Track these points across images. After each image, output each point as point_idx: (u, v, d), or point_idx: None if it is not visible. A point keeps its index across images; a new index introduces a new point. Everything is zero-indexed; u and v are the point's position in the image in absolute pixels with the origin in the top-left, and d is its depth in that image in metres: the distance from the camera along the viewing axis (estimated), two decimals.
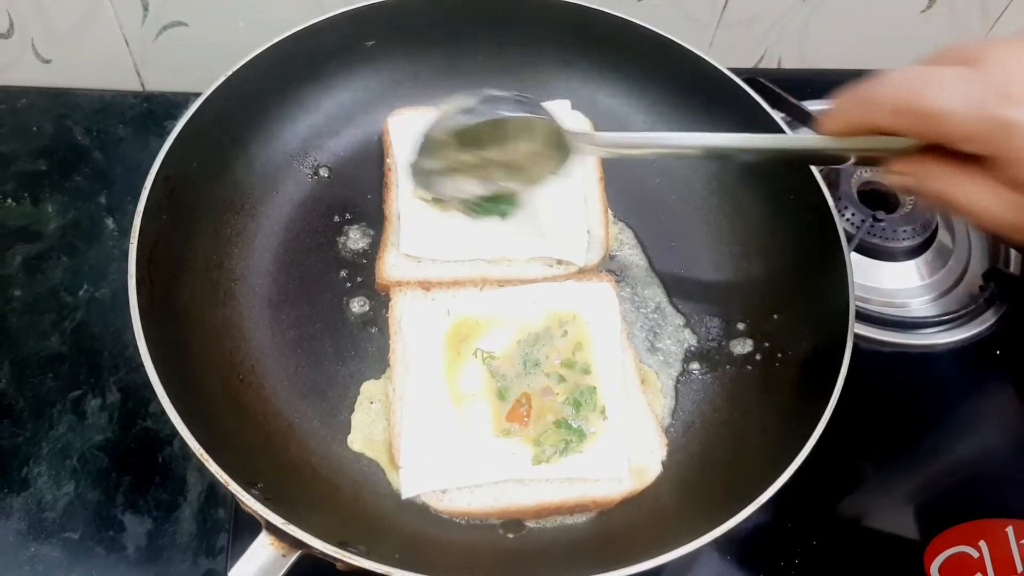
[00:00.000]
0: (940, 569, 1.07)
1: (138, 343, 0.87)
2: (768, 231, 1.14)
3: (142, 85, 1.48)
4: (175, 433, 1.10)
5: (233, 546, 1.03)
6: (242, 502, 0.80)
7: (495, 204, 1.13)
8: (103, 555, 1.04)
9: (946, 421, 1.21)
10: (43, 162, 1.37)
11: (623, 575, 0.80)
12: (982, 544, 1.08)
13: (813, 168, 1.08)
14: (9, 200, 1.32)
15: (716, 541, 0.83)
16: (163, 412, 1.11)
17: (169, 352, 0.89)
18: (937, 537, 1.09)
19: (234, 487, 0.79)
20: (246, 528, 0.99)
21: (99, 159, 1.39)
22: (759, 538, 1.07)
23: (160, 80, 1.48)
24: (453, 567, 0.79)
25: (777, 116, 1.14)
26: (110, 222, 1.32)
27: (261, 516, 0.79)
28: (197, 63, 1.41)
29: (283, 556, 0.79)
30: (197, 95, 1.07)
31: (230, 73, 1.09)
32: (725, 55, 1.25)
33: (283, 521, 0.77)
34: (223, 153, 1.12)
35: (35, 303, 1.22)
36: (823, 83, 1.52)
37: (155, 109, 1.46)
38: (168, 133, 1.39)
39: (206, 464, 0.81)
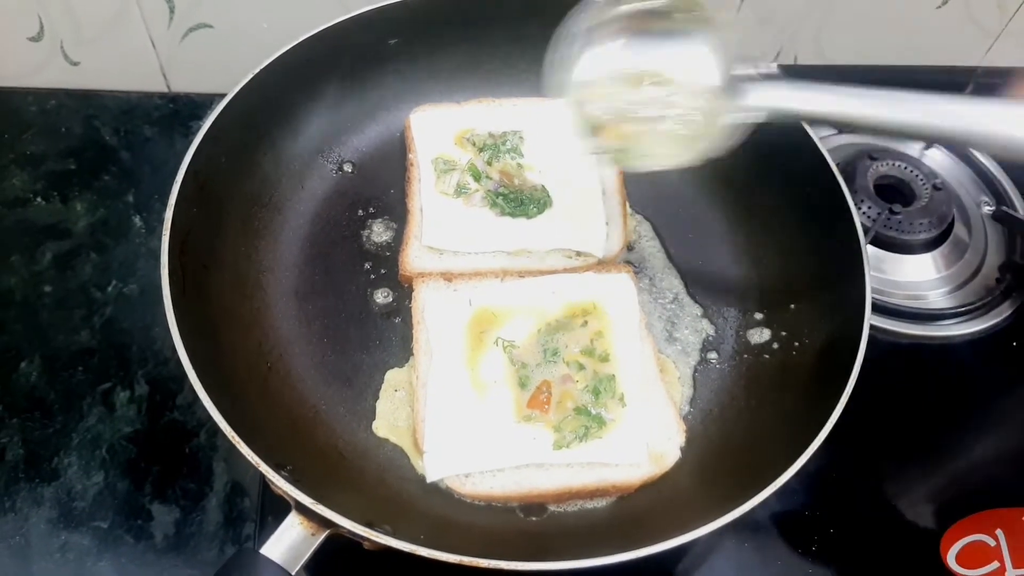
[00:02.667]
0: (957, 557, 1.07)
1: (171, 331, 0.89)
2: (785, 223, 1.16)
3: (168, 87, 1.50)
4: (202, 425, 1.14)
5: (260, 534, 1.04)
6: (272, 483, 0.81)
7: (523, 206, 1.14)
8: (132, 543, 1.06)
9: (963, 411, 1.21)
10: (72, 162, 1.40)
11: (642, 555, 0.81)
12: (999, 532, 1.08)
13: (829, 159, 1.09)
14: (39, 199, 1.35)
15: (735, 528, 0.85)
16: (190, 404, 1.15)
17: (200, 341, 0.91)
18: (954, 525, 1.09)
19: (265, 468, 0.81)
20: (273, 515, 1.02)
21: (126, 159, 1.41)
22: (777, 525, 1.08)
23: (185, 82, 1.50)
24: (477, 548, 0.80)
25: None
26: (137, 220, 1.34)
27: (291, 496, 0.81)
28: (222, 65, 1.42)
29: (312, 535, 0.81)
30: (222, 96, 1.09)
31: (257, 71, 1.11)
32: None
33: (312, 501, 0.79)
34: (251, 149, 1.14)
35: (65, 299, 1.25)
36: (838, 79, 1.53)
37: (180, 110, 1.49)
38: (193, 134, 1.42)
39: (238, 447, 0.82)
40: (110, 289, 1.26)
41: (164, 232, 0.95)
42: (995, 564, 1.06)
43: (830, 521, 1.09)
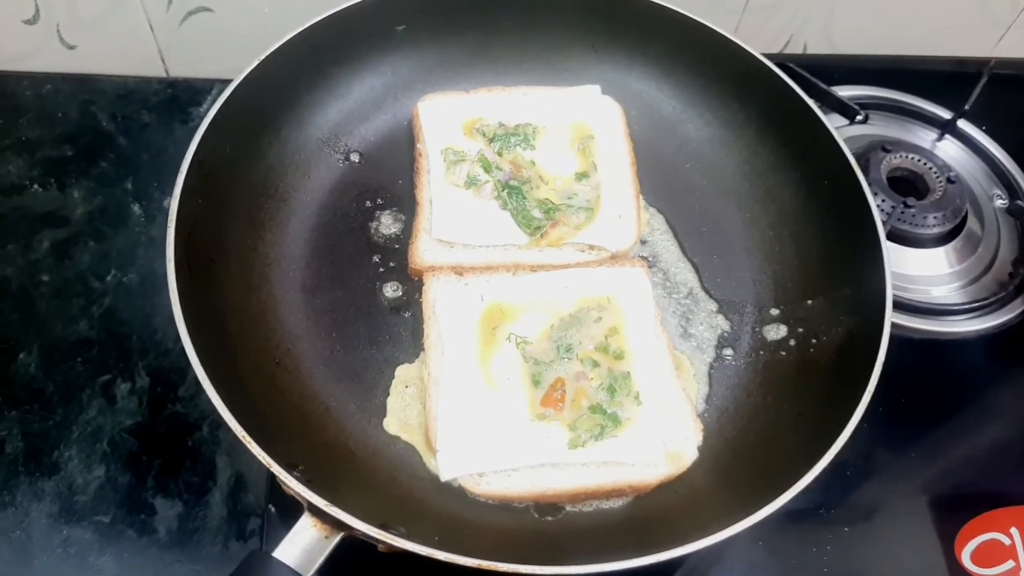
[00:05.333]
0: (971, 556, 1.07)
1: (179, 328, 0.87)
2: (801, 216, 1.14)
3: (166, 71, 1.48)
4: (204, 417, 1.12)
5: (267, 530, 1.03)
6: (284, 484, 0.80)
7: (531, 224, 1.12)
8: (134, 538, 1.04)
9: (976, 408, 1.21)
10: (68, 148, 1.37)
11: (658, 559, 0.80)
12: (1013, 531, 1.08)
13: (847, 151, 1.07)
14: (36, 186, 1.32)
15: (749, 527, 0.84)
16: (192, 397, 1.14)
17: (207, 336, 0.89)
18: (968, 524, 1.09)
19: (276, 469, 0.79)
20: (279, 511, 1.02)
21: (124, 145, 1.39)
22: (790, 524, 1.07)
23: (184, 66, 1.47)
24: (492, 549, 0.79)
25: (809, 102, 1.14)
26: (136, 208, 1.32)
27: (303, 498, 0.79)
28: (221, 49, 1.42)
29: (325, 538, 0.79)
30: (221, 81, 1.06)
31: (262, 58, 1.08)
32: (750, 40, 1.25)
33: (326, 503, 0.78)
34: (256, 138, 1.12)
35: (63, 288, 1.23)
36: (848, 69, 1.53)
37: (179, 95, 1.46)
38: (192, 120, 1.42)
39: (249, 447, 0.80)
40: (109, 278, 1.24)
41: (170, 224, 0.93)
42: (1010, 563, 1.06)
43: (844, 520, 1.08)
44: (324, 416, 1.00)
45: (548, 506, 0.97)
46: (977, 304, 1.27)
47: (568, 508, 0.97)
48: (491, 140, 1.17)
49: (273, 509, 1.03)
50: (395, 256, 1.14)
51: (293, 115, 1.17)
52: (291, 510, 0.83)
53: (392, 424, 1.01)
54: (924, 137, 1.45)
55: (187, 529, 1.05)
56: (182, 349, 1.15)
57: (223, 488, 1.08)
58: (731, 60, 1.18)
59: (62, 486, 1.07)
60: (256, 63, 1.08)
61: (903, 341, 1.24)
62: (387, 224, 1.16)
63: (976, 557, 1.07)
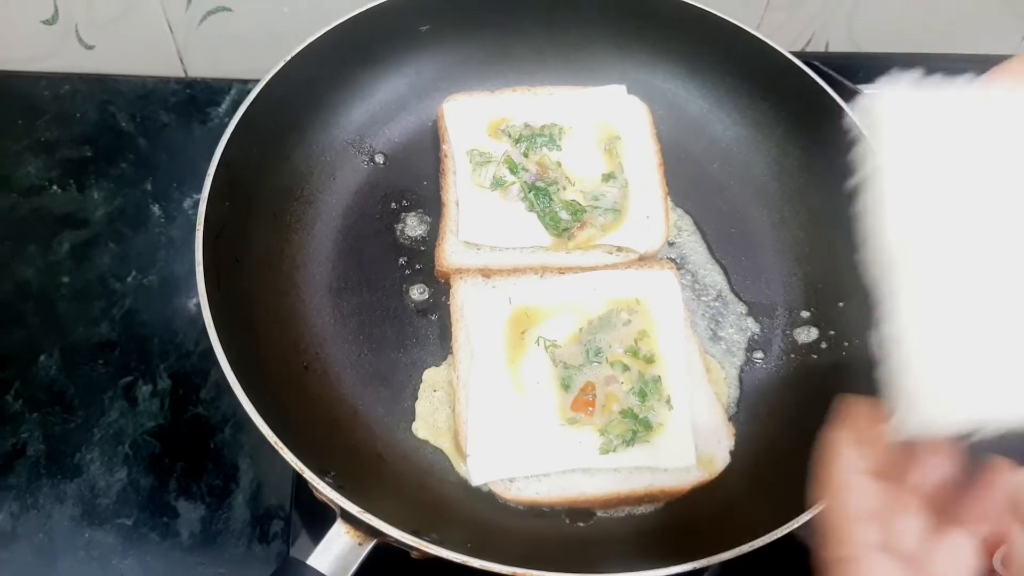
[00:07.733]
0: (1002, 561, 1.06)
1: (209, 332, 0.86)
2: (831, 217, 1.12)
3: (184, 71, 1.47)
4: (227, 420, 1.12)
5: (291, 534, 1.02)
6: (317, 490, 0.79)
7: (554, 214, 1.12)
8: (157, 541, 1.04)
9: None
10: (88, 148, 1.36)
11: (692, 568, 0.80)
12: None
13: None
14: (55, 187, 1.32)
15: None
16: (214, 399, 1.13)
17: (237, 341, 0.88)
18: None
19: (310, 476, 0.79)
20: (304, 516, 1.01)
21: (143, 146, 1.38)
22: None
23: (202, 67, 1.46)
24: (524, 556, 0.78)
25: (839, 101, 1.12)
26: (156, 209, 1.31)
27: (337, 504, 0.78)
28: (240, 50, 1.40)
29: (359, 544, 0.79)
30: (240, 81, 1.05)
31: (287, 60, 1.08)
32: (772, 38, 1.24)
33: (360, 510, 0.77)
34: (281, 140, 1.11)
35: (83, 290, 1.22)
36: (871, 67, 1.50)
37: (197, 95, 1.45)
38: (211, 120, 1.41)
39: (283, 454, 0.80)
40: (129, 280, 1.24)
41: (198, 228, 0.93)
42: None
43: None
44: (353, 420, 0.99)
45: (580, 512, 0.96)
46: None
47: (600, 514, 0.96)
48: (517, 141, 1.16)
49: (297, 513, 1.02)
50: (421, 258, 1.13)
51: (318, 117, 1.16)
52: (316, 514, 0.82)
53: (421, 428, 1.00)
54: None
55: (210, 532, 1.05)
56: (203, 351, 1.16)
57: (246, 491, 1.08)
58: (759, 58, 1.17)
59: (84, 489, 1.07)
60: (281, 65, 1.07)
61: None
62: (413, 226, 1.15)
63: (1008, 561, 1.05)
